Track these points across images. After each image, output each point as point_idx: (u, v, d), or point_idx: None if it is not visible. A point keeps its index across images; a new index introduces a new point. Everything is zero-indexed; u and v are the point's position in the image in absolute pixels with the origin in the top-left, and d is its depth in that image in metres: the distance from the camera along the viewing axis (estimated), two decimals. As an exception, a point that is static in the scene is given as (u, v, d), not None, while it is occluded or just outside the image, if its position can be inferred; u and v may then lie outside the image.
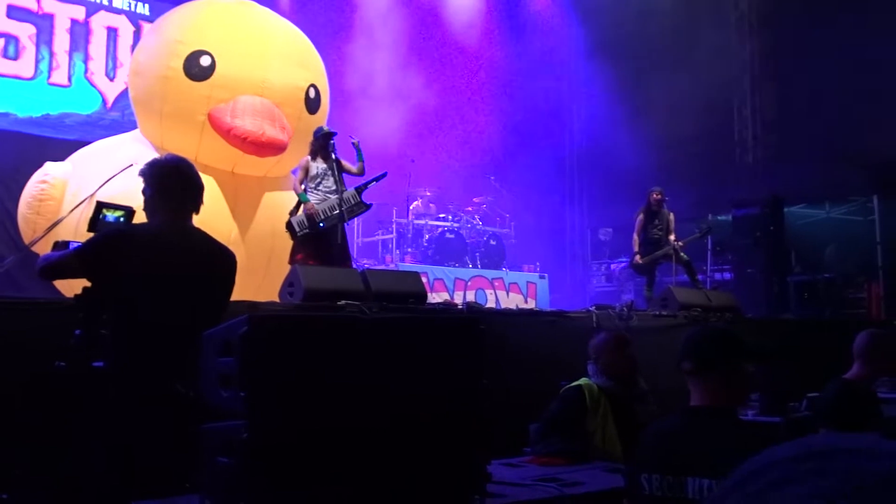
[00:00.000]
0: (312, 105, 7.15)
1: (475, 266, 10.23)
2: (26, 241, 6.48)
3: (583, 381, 3.49)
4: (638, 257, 8.54)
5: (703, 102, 10.61)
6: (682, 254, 8.41)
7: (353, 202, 6.21)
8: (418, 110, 11.48)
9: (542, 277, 10.49)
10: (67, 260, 2.64)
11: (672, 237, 8.44)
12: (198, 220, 2.77)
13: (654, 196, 8.55)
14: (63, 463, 2.56)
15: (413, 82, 11.55)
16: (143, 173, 2.73)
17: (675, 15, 10.59)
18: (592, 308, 5.94)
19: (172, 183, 2.70)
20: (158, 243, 2.60)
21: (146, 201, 2.72)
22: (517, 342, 4.88)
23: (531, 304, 9.92)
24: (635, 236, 8.64)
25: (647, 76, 11.24)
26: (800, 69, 10.66)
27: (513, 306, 9.45)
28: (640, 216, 8.63)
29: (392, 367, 2.02)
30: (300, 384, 1.90)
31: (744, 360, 2.17)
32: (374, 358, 2.01)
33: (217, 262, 2.75)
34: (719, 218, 11.26)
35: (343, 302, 4.52)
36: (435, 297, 8.22)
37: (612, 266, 11.95)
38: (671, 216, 8.62)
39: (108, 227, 2.76)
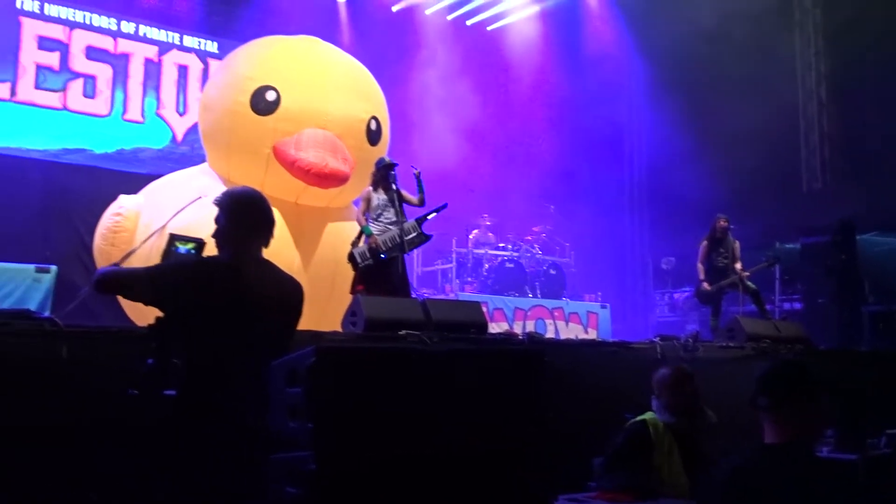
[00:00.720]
0: (373, 136, 7.27)
1: (535, 295, 10.16)
2: (101, 271, 6.71)
3: (648, 415, 3.41)
4: (705, 284, 8.34)
5: (769, 129, 10.39)
6: (748, 283, 8.19)
7: (413, 233, 6.26)
8: (478, 140, 11.57)
9: (603, 307, 10.34)
10: (138, 275, 2.61)
11: (738, 266, 8.24)
12: (263, 251, 2.79)
13: (720, 223, 8.38)
14: (135, 487, 2.62)
15: (473, 112, 11.65)
16: (219, 202, 2.72)
17: (739, 42, 10.39)
18: (656, 338, 5.83)
19: (248, 215, 2.69)
20: (230, 274, 2.62)
21: (218, 230, 2.70)
22: (578, 373, 4.82)
23: (592, 335, 9.78)
24: (699, 264, 8.47)
25: (710, 103, 11.06)
26: (868, 92, 10.35)
27: (573, 336, 9.34)
28: (705, 243, 8.47)
29: (457, 399, 2.01)
30: (366, 415, 1.91)
31: (819, 394, 2.09)
32: (438, 389, 2.01)
33: (286, 293, 2.77)
34: (787, 246, 10.94)
35: (404, 332, 4.55)
36: (495, 327, 8.18)
37: (676, 295, 11.71)
38: (736, 244, 8.42)
39: (180, 257, 2.81)
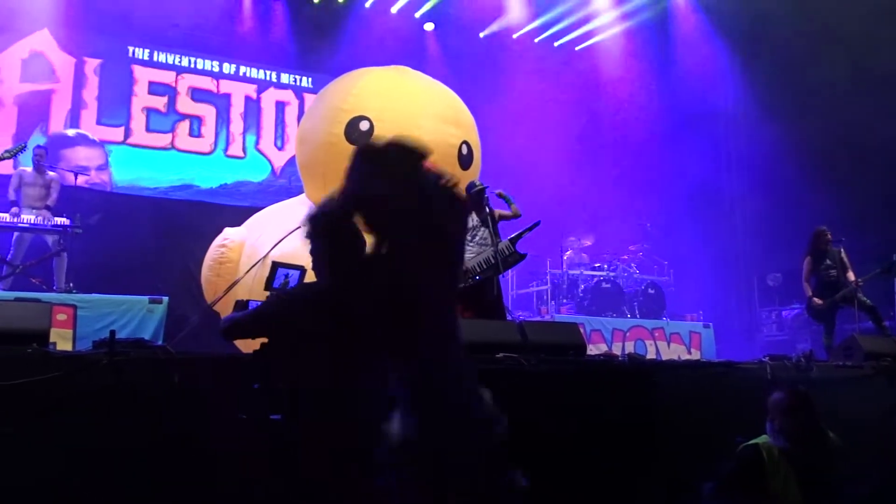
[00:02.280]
0: (465, 161, 7.32)
1: (634, 316, 9.91)
2: (208, 301, 7.01)
3: (761, 439, 3.23)
4: (816, 300, 7.90)
5: (883, 135, 9.79)
6: (865, 298, 7.70)
7: (507, 253, 6.24)
8: (570, 160, 11.47)
9: (706, 326, 9.97)
10: (247, 321, 2.81)
11: (850, 275, 7.77)
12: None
13: (821, 235, 7.95)
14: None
15: (565, 132, 11.58)
16: (307, 234, 2.78)
17: (850, 43, 9.85)
18: (765, 358, 5.54)
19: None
20: (327, 301, 2.70)
21: (313, 260, 2.78)
22: (682, 395, 4.63)
23: (695, 355, 9.43)
24: (805, 283, 8.03)
25: (818, 110, 10.54)
26: None
27: (675, 357, 9.03)
28: (808, 259, 8.03)
29: (561, 422, 1.98)
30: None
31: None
32: (542, 411, 1.98)
33: None
34: (907, 258, 10.25)
35: (501, 354, 4.51)
36: (593, 349, 8.02)
37: (784, 313, 11.14)
38: (842, 252, 7.95)
39: (283, 288, 2.90)
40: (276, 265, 3.09)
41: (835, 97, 10.10)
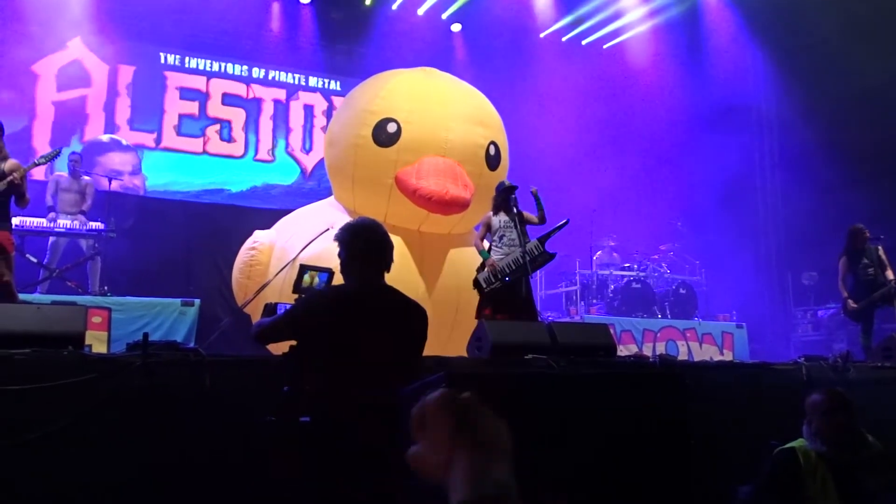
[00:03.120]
0: (493, 162, 7.30)
1: (664, 316, 9.81)
2: (239, 303, 7.08)
3: (798, 442, 3.15)
4: (851, 302, 7.73)
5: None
6: (903, 297, 7.52)
7: (536, 253, 6.20)
8: (599, 158, 11.38)
9: (739, 327, 9.82)
10: (276, 326, 2.85)
11: (889, 273, 7.58)
12: (388, 278, 2.87)
13: (858, 233, 7.76)
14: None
15: (593, 131, 11.49)
16: (337, 238, 2.90)
17: (873, 26, 9.58)
18: (801, 359, 5.44)
19: (363, 246, 2.83)
20: (354, 303, 2.72)
21: (342, 264, 2.87)
22: (715, 397, 4.57)
23: (728, 356, 9.30)
24: (840, 283, 7.85)
25: (849, 102, 10.32)
26: None
27: (707, 358, 8.92)
28: (843, 258, 7.84)
29: (591, 425, 1.95)
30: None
31: None
32: (572, 414, 1.96)
33: (411, 318, 2.84)
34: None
35: (530, 356, 4.49)
36: (623, 350, 7.95)
37: (820, 313, 10.93)
38: (880, 249, 7.75)
39: (309, 292, 2.92)
40: (303, 267, 3.10)
41: (872, 94, 9.89)
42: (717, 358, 9.04)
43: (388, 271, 2.86)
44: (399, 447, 2.24)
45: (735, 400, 4.76)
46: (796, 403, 3.32)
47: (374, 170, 7.04)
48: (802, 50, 11.01)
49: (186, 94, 10.70)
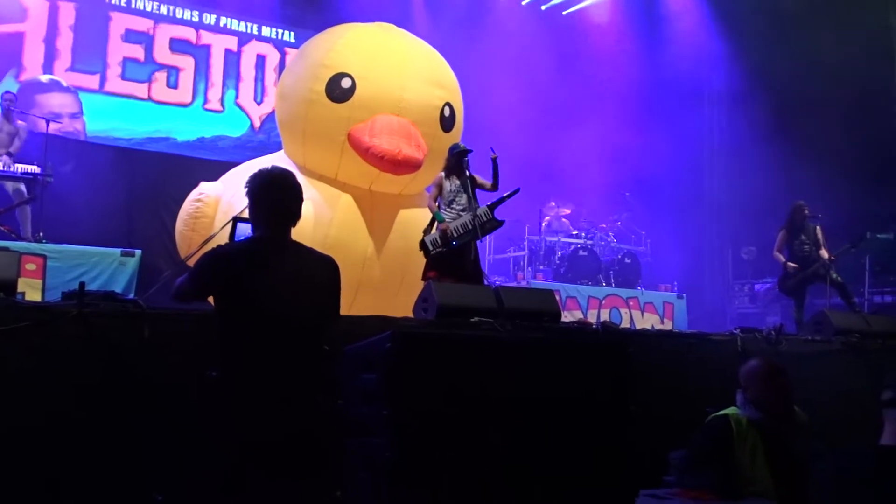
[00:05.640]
0: (447, 123, 7.24)
1: (609, 284, 9.97)
2: (182, 256, 6.93)
3: (730, 410, 3.25)
4: (791, 264, 7.95)
5: (859, 106, 9.83)
6: (835, 275, 7.79)
7: (485, 219, 6.20)
8: (553, 126, 11.39)
9: (679, 297, 10.07)
10: (183, 287, 2.72)
11: (824, 252, 7.85)
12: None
13: (799, 209, 8.00)
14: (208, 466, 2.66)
15: (549, 98, 11.48)
16: (245, 187, 2.74)
17: (827, 4, 9.76)
18: (736, 330, 5.61)
19: (267, 195, 2.70)
20: (256, 258, 2.62)
21: (249, 214, 2.74)
22: (653, 364, 4.68)
23: (668, 325, 9.54)
24: (776, 253, 8.12)
25: (793, 78, 10.53)
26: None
27: (648, 327, 9.13)
28: (783, 232, 8.10)
29: (534, 389, 1.97)
30: (442, 402, 1.88)
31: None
32: (516, 378, 1.97)
33: (316, 270, 2.73)
34: (879, 236, 10.36)
35: (476, 319, 4.51)
36: (568, 316, 8.07)
37: (757, 286, 11.28)
38: (818, 229, 8.02)
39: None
40: (236, 219, 3.02)
41: (821, 73, 10.10)
42: (658, 327, 9.26)
43: (294, 225, 2.73)
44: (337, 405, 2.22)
45: (673, 368, 4.89)
46: (731, 373, 3.43)
47: (326, 126, 6.91)
48: (756, 27, 11.14)
49: (132, 36, 10.26)
